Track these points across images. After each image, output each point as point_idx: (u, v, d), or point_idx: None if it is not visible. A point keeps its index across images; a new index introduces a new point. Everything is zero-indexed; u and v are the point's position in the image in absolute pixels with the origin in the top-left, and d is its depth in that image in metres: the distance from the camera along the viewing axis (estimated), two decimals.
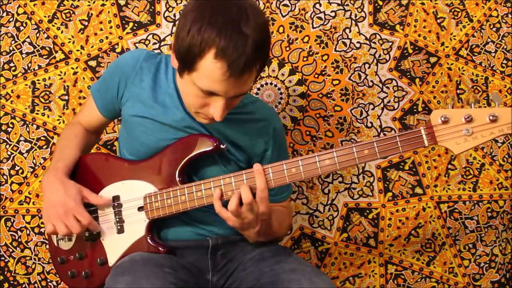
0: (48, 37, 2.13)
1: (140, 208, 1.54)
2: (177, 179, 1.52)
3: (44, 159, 2.13)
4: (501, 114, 1.28)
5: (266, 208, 1.41)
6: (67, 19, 2.13)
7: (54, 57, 2.13)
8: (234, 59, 1.30)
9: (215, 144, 1.51)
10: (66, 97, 2.14)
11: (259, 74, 1.43)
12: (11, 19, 2.12)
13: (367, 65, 2.18)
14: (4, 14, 2.12)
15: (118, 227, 1.55)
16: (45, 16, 2.13)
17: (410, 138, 1.34)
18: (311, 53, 2.17)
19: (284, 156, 1.73)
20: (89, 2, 2.13)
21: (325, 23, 2.17)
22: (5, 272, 2.14)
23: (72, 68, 2.14)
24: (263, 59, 1.39)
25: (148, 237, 1.52)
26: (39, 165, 2.13)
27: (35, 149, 2.13)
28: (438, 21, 2.19)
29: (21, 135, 2.13)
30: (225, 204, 1.47)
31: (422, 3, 2.18)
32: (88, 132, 1.75)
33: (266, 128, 1.65)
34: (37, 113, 2.13)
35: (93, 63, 2.14)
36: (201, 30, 1.31)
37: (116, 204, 1.57)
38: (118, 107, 1.65)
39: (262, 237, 1.53)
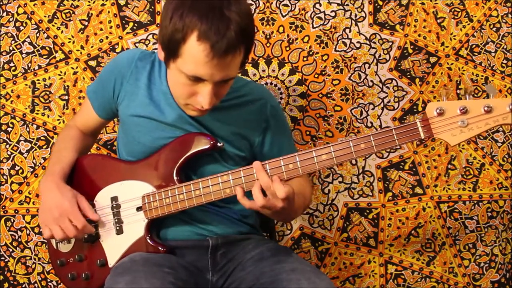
0: (48, 37, 2.13)
1: (138, 208, 1.54)
2: (175, 178, 1.52)
3: (44, 159, 2.13)
4: (496, 105, 1.28)
5: (284, 194, 1.37)
6: (67, 19, 2.13)
7: (54, 57, 2.13)
8: (216, 40, 1.31)
9: (211, 142, 1.52)
10: (66, 97, 2.14)
11: (244, 60, 1.43)
12: (11, 19, 2.12)
13: (367, 65, 2.18)
14: (4, 14, 2.12)
15: (117, 227, 1.55)
16: (45, 16, 2.13)
17: (406, 131, 1.35)
18: (311, 53, 2.17)
19: (286, 133, 1.74)
20: (89, 2, 2.13)
21: (325, 23, 2.17)
22: (5, 272, 2.14)
23: (72, 68, 2.14)
24: (247, 44, 1.40)
25: (147, 237, 1.52)
26: (39, 165, 2.13)
27: (35, 149, 2.13)
28: (438, 21, 2.19)
29: (21, 135, 2.13)
30: (227, 199, 1.48)
31: (422, 3, 2.18)
32: (85, 135, 1.75)
33: (263, 106, 1.65)
34: (37, 113, 2.13)
35: (93, 63, 2.14)
36: (182, 16, 1.33)
37: (114, 205, 1.56)
38: (115, 107, 1.65)
39: (290, 215, 1.55)
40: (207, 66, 1.34)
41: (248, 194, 1.41)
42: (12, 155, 2.13)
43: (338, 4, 2.17)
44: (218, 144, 1.53)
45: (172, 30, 1.34)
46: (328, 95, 2.18)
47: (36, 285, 2.15)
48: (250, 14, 1.41)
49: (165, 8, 1.39)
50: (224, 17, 1.32)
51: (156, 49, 2.13)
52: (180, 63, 1.37)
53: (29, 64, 2.13)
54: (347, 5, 2.17)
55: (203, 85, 1.39)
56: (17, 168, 2.13)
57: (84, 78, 2.14)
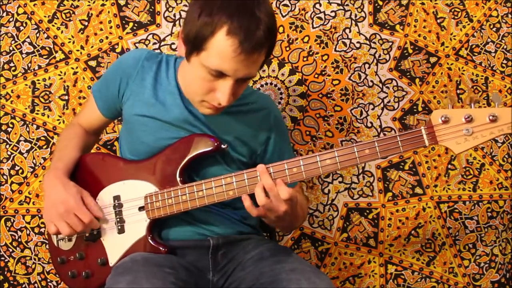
0: (48, 37, 2.13)
1: (141, 208, 1.54)
2: (178, 179, 1.51)
3: (44, 159, 2.13)
4: (501, 114, 1.29)
5: (288, 194, 1.37)
6: (67, 19, 2.13)
7: (54, 57, 2.13)
8: (246, 37, 1.33)
9: (216, 144, 1.51)
10: (66, 97, 2.14)
11: (265, 60, 1.46)
12: (11, 19, 2.12)
13: (367, 65, 2.18)
14: (4, 14, 2.12)
15: (119, 227, 1.55)
16: (45, 16, 2.13)
17: (411, 138, 1.35)
18: (311, 53, 2.17)
19: (287, 143, 1.75)
20: (89, 2, 2.13)
21: (325, 23, 2.17)
22: (5, 272, 2.14)
23: (72, 68, 2.14)
24: (271, 45, 1.42)
25: (149, 237, 1.52)
26: (39, 165, 2.13)
27: (35, 149, 2.13)
28: (438, 21, 2.19)
29: (21, 135, 2.13)
30: (228, 202, 1.47)
31: (422, 3, 2.18)
32: (88, 133, 1.75)
33: (267, 116, 1.67)
34: (37, 113, 2.13)
35: (93, 63, 2.14)
36: (212, 13, 1.35)
37: (116, 204, 1.56)
38: (119, 107, 1.65)
39: (291, 222, 1.54)
40: (233, 61, 1.35)
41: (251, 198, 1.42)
42: (12, 155, 2.13)
43: (338, 4, 2.17)
44: (222, 146, 1.52)
45: (200, 25, 1.36)
46: (328, 95, 2.18)
47: (36, 285, 2.14)
48: (275, 17, 1.43)
49: (192, 5, 1.41)
50: (255, 16, 1.34)
51: (156, 49, 2.13)
52: (204, 56, 1.38)
53: (29, 64, 2.13)
54: (347, 5, 2.17)
55: (224, 81, 1.40)
56: (17, 168, 2.13)
57: (84, 78, 2.14)
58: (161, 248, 1.51)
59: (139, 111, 1.59)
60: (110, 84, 1.64)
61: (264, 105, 1.68)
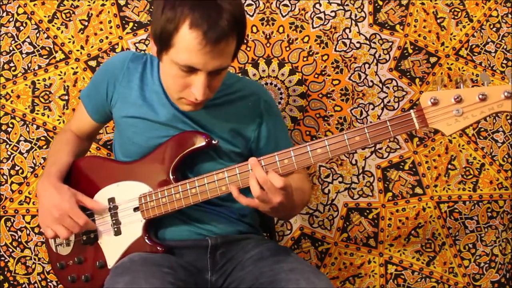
0: (48, 37, 2.13)
1: (135, 209, 1.54)
2: (171, 177, 1.52)
3: (44, 159, 2.13)
4: (490, 93, 1.27)
5: (282, 182, 1.35)
6: (67, 19, 2.13)
7: (54, 57, 2.14)
8: (209, 27, 1.31)
9: (206, 140, 1.51)
10: (66, 97, 2.14)
11: (237, 50, 1.44)
12: (11, 19, 2.12)
13: (367, 65, 2.18)
14: (4, 14, 2.12)
15: (115, 229, 1.56)
16: (45, 16, 2.13)
17: (401, 122, 1.33)
18: (311, 53, 2.17)
19: (282, 127, 1.74)
20: (89, 2, 2.13)
21: (325, 23, 2.17)
22: (5, 272, 2.14)
23: (72, 68, 2.14)
24: (239, 32, 1.40)
25: (146, 237, 1.53)
26: (39, 165, 2.13)
27: (35, 149, 2.13)
28: (438, 21, 2.19)
29: (21, 135, 2.13)
30: (224, 197, 1.47)
31: (422, 3, 2.18)
32: (81, 139, 1.76)
33: (257, 102, 1.65)
34: (37, 113, 2.14)
35: (93, 63, 2.14)
36: (174, 6, 1.34)
37: (112, 206, 1.56)
38: (109, 110, 1.66)
39: (289, 212, 1.53)
40: (200, 54, 1.34)
41: (244, 192, 1.41)
42: (12, 155, 2.13)
43: (338, 4, 2.16)
44: (213, 142, 1.52)
45: (164, 21, 1.35)
46: (328, 95, 2.18)
47: (36, 285, 2.15)
48: (242, 5, 1.42)
49: (156, 1, 1.40)
50: (216, 5, 1.33)
51: None
52: (173, 53, 1.37)
53: (29, 64, 2.13)
54: (347, 5, 2.16)
55: (196, 75, 1.39)
56: (17, 168, 2.14)
57: (84, 78, 2.14)
58: (158, 248, 1.51)
59: (128, 112, 1.59)
60: (98, 88, 1.65)
61: (252, 91, 1.67)
